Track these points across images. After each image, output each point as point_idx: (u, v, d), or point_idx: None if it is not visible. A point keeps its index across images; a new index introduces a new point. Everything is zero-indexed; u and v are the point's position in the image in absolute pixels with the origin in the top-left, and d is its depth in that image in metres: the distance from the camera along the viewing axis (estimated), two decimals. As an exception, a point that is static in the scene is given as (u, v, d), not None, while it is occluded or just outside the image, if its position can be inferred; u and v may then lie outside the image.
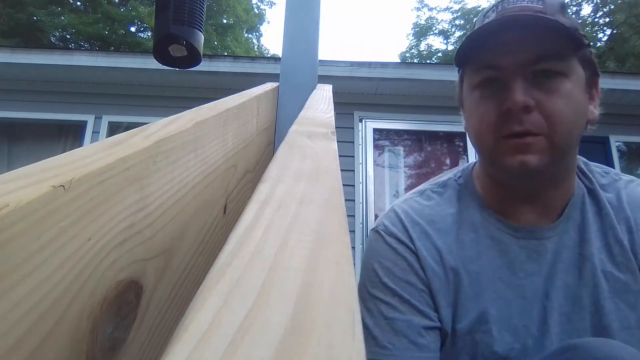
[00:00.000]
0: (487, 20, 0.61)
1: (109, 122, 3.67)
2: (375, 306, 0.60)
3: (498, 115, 0.56)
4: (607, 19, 14.89)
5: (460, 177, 0.71)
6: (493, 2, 0.64)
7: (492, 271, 0.61)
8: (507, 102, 0.55)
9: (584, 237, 0.60)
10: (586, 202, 0.63)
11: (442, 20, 19.12)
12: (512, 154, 0.55)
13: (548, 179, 0.60)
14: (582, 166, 0.66)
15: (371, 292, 0.62)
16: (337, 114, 0.56)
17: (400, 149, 3.74)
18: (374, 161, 3.60)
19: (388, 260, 0.62)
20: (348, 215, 3.03)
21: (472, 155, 3.59)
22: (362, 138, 3.62)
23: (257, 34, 18.58)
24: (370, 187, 3.49)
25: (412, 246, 0.62)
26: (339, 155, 0.30)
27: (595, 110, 0.61)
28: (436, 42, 20.17)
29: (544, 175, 0.58)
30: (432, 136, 3.77)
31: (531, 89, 0.55)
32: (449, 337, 0.60)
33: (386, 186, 3.60)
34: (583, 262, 0.59)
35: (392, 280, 0.61)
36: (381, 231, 0.66)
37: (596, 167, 0.68)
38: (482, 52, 0.58)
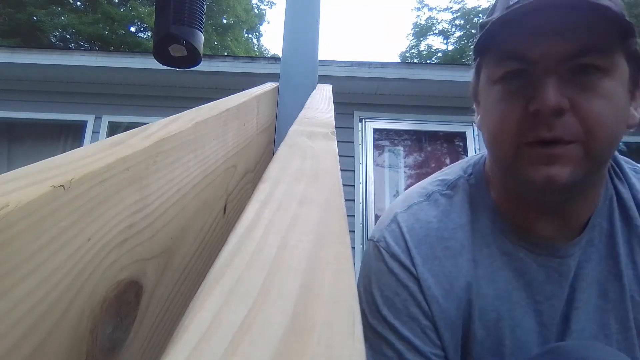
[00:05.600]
0: (513, 1, 0.49)
1: (109, 122, 3.67)
2: (374, 338, 0.54)
3: (522, 118, 0.47)
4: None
5: (471, 174, 0.61)
6: None
7: (507, 295, 0.53)
8: (535, 102, 0.45)
9: (613, 250, 0.53)
10: (614, 207, 0.54)
11: (442, 20, 19.15)
12: (536, 166, 0.47)
13: (576, 193, 0.51)
14: (611, 161, 0.56)
15: (370, 322, 0.55)
16: (337, 114, 0.56)
17: (400, 149, 3.74)
18: (374, 161, 3.61)
19: (388, 288, 0.55)
20: (348, 215, 3.02)
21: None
22: (362, 138, 3.62)
23: (257, 34, 18.60)
24: (370, 187, 3.49)
25: (415, 272, 0.54)
26: (339, 155, 0.30)
27: (636, 113, 0.51)
28: (436, 42, 20.21)
29: (573, 190, 0.48)
30: (432, 136, 3.77)
31: (566, 86, 0.45)
32: None
33: (386, 186, 3.60)
34: (611, 281, 0.52)
35: (392, 312, 0.54)
36: (382, 249, 0.57)
37: (626, 163, 0.58)
38: (508, 38, 0.47)
